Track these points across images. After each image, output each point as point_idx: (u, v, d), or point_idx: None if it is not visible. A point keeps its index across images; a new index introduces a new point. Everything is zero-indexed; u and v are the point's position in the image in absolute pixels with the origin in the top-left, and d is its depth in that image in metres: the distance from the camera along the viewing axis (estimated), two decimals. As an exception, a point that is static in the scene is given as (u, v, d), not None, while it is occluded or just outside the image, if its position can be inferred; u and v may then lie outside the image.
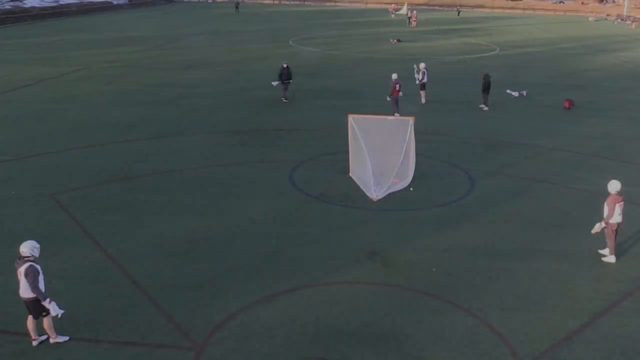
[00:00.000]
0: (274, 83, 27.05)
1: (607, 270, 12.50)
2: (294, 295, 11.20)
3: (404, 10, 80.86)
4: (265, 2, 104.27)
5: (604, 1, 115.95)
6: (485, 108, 26.79)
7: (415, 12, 72.04)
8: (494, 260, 12.81)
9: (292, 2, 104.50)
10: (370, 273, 12.12)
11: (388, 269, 12.31)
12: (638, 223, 14.97)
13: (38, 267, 9.33)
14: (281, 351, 9.59)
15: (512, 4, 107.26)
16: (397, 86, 23.97)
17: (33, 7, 68.22)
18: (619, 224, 12.77)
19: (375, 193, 16.04)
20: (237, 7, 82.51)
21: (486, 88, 26.72)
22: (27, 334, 9.66)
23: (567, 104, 27.70)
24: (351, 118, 17.60)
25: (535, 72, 38.15)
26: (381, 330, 10.20)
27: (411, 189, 16.60)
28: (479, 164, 19.07)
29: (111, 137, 20.97)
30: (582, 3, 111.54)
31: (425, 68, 26.79)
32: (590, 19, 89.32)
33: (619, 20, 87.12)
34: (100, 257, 12.45)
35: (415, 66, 27.63)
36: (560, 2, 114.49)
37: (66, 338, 9.72)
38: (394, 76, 24.33)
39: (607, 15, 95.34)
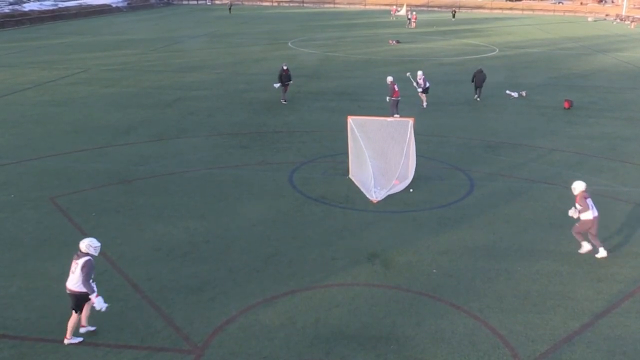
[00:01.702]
0: (276, 85, 27.05)
1: (608, 271, 12.48)
2: (294, 298, 11.18)
3: (402, 12, 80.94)
4: (264, 3, 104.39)
5: (603, 1, 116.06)
6: (478, 99, 29.11)
7: (414, 13, 72.12)
8: (494, 261, 12.79)
9: (290, 4, 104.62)
10: (370, 275, 12.10)
11: (388, 270, 12.29)
12: (638, 223, 14.95)
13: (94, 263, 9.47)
14: (281, 353, 9.57)
15: (511, 4, 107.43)
16: (396, 87, 23.91)
17: (32, 11, 68.26)
18: (596, 217, 12.76)
19: (375, 195, 16.02)
20: (230, 9, 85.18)
21: (480, 83, 28.85)
22: (65, 331, 9.64)
23: (566, 105, 27.71)
24: (351, 120, 17.59)
25: (534, 72, 38.18)
26: (381, 332, 10.18)
27: (411, 190, 16.59)
28: (479, 165, 19.05)
29: (110, 139, 20.96)
30: (581, 3, 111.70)
31: (423, 74, 26.68)
32: (589, 19, 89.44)
33: (618, 20, 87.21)
34: (100, 260, 12.37)
35: (408, 74, 27.34)
36: (559, 2, 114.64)
37: (80, 339, 9.74)
38: (390, 79, 24.21)
39: (606, 15, 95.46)
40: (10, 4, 70.85)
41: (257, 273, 12.03)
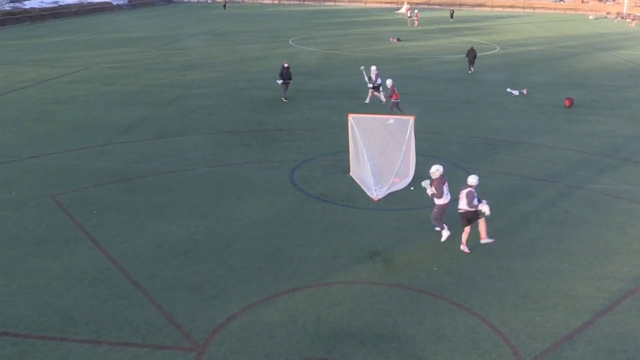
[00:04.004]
0: (279, 82, 26.99)
1: (609, 269, 12.48)
2: (295, 296, 11.19)
3: (402, 10, 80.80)
4: (264, 2, 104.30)
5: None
6: (470, 71, 35.85)
7: (417, 11, 71.97)
8: (495, 259, 12.79)
9: (291, 2, 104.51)
10: (371, 273, 12.11)
11: (389, 268, 12.30)
12: (639, 222, 14.94)
13: (475, 192, 12.83)
14: (282, 351, 9.58)
15: (512, 2, 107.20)
16: (395, 89, 23.67)
17: (33, 8, 68.18)
18: (448, 203, 13.58)
19: (375, 192, 16.02)
20: (225, 6, 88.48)
21: (472, 59, 35.92)
22: (462, 242, 13.02)
23: (567, 103, 27.69)
24: (351, 118, 17.58)
25: (535, 70, 38.15)
26: (382, 330, 10.19)
27: (412, 188, 16.58)
28: (480, 163, 19.05)
29: (111, 137, 20.96)
30: (582, 1, 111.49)
31: (377, 69, 26.60)
32: (590, 17, 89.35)
33: (619, 18, 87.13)
34: (101, 258, 12.44)
35: (362, 68, 27.16)
36: (560, 0, 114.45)
37: (491, 240, 13.25)
38: (389, 82, 23.95)
39: (607, 13, 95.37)
40: (11, 1, 70.78)
41: (258, 271, 12.04)
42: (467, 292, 11.44)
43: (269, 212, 14.93)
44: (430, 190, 13.36)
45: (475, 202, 12.86)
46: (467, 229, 13.03)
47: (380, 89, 26.31)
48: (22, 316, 10.31)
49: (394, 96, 23.66)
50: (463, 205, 12.97)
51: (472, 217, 12.97)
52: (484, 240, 13.23)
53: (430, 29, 64.28)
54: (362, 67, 27.25)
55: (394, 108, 23.62)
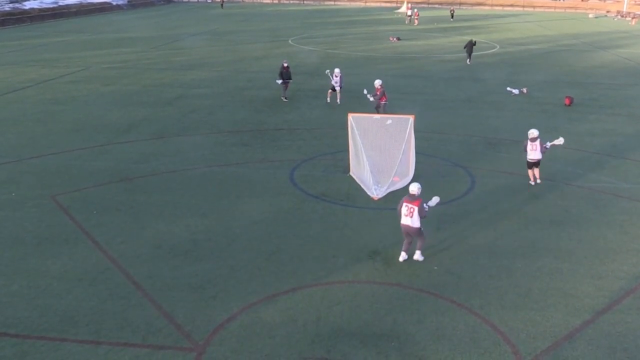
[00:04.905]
0: (278, 81, 26.99)
1: (609, 268, 12.48)
2: (295, 295, 11.19)
3: (403, 9, 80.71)
4: (264, 1, 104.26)
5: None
6: (469, 62, 38.68)
7: (416, 10, 71.92)
8: (495, 258, 12.79)
9: (291, 1, 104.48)
10: (371, 272, 12.11)
11: (389, 268, 12.29)
12: (639, 220, 14.94)
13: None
14: (282, 351, 9.58)
15: (512, 1, 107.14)
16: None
17: (32, 9, 68.16)
18: (402, 225, 12.34)
19: (375, 192, 16.02)
20: (222, 5, 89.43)
21: (470, 51, 38.80)
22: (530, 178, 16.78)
23: (567, 101, 27.68)
24: (351, 117, 17.58)
25: (535, 69, 38.13)
26: (382, 330, 10.19)
27: (412, 187, 16.55)
28: (480, 162, 19.05)
29: (111, 138, 20.96)
30: (582, 0, 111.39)
31: (341, 72, 26.62)
32: (590, 15, 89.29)
33: (619, 16, 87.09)
34: (101, 258, 12.44)
35: (327, 72, 27.22)
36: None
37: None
38: (378, 82, 22.99)
39: (607, 12, 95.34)
40: (11, 2, 70.78)
41: (258, 271, 12.04)
42: (467, 291, 11.44)
43: (269, 212, 14.93)
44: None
45: (547, 145, 16.42)
46: (531, 172, 16.76)
47: (365, 92, 25.10)
48: (22, 317, 10.31)
49: (383, 98, 22.82)
50: (534, 155, 16.50)
51: (536, 163, 16.65)
52: (539, 180, 16.84)
53: (430, 28, 64.26)
54: (327, 71, 27.41)
55: (386, 108, 22.88)
